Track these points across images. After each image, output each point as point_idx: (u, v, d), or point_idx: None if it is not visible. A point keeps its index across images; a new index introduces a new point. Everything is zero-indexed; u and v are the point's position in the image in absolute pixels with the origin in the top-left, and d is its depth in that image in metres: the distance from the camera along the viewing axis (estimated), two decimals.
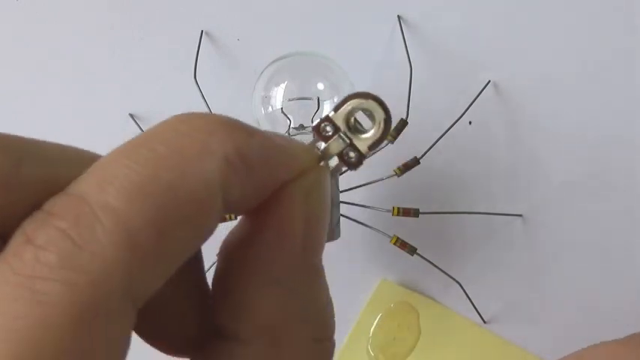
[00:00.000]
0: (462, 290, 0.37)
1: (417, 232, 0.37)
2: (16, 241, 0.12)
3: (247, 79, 0.37)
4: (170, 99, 0.41)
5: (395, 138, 0.35)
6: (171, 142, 0.13)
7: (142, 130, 0.39)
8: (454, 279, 0.37)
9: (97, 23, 0.41)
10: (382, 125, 0.17)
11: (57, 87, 0.41)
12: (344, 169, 0.18)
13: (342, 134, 0.17)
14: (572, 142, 0.38)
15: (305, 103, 0.34)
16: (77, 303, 0.12)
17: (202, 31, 0.40)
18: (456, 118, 0.37)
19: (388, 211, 0.35)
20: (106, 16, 0.41)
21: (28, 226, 0.12)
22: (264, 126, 0.35)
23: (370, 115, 0.18)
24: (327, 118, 0.17)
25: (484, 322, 0.38)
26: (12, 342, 0.11)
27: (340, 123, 0.17)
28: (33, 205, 0.13)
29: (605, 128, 0.38)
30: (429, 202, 0.38)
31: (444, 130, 0.36)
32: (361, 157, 0.18)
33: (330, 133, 0.17)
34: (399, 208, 0.35)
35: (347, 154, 0.17)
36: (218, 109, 0.37)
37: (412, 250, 0.35)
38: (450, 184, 0.39)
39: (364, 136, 0.17)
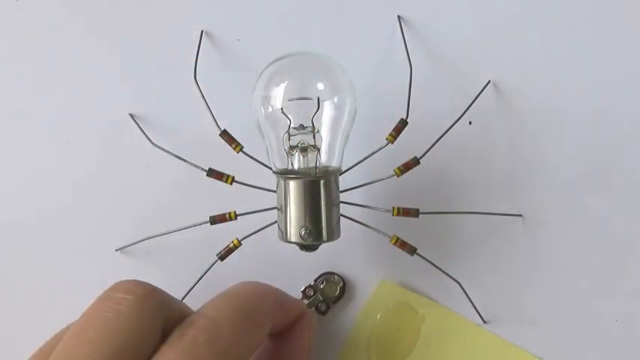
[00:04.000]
0: (462, 290, 0.37)
1: (417, 232, 0.37)
2: (175, 336, 0.27)
3: (247, 79, 0.37)
4: (170, 99, 0.41)
5: (395, 138, 0.35)
6: (249, 295, 0.31)
7: (142, 130, 0.39)
8: (454, 279, 0.37)
9: (96, 23, 0.41)
10: (339, 289, 0.37)
11: (57, 87, 0.41)
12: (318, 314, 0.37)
13: (318, 295, 0.37)
14: (572, 142, 0.38)
15: (305, 103, 0.34)
16: None
17: (202, 31, 0.40)
18: (456, 118, 0.37)
19: (388, 211, 0.35)
20: (106, 16, 0.41)
21: (177, 330, 0.27)
22: (265, 126, 0.35)
23: (333, 283, 0.37)
24: (310, 286, 0.37)
25: (484, 322, 0.38)
26: None
27: (317, 289, 0.37)
28: (173, 323, 0.28)
29: (605, 128, 0.38)
30: (429, 202, 0.38)
31: (444, 130, 0.36)
32: (327, 309, 0.37)
33: (311, 294, 0.37)
34: (399, 208, 0.35)
35: (320, 306, 0.37)
36: (218, 109, 0.37)
37: (412, 250, 0.35)
38: (450, 184, 0.39)
39: (330, 296, 0.37)
